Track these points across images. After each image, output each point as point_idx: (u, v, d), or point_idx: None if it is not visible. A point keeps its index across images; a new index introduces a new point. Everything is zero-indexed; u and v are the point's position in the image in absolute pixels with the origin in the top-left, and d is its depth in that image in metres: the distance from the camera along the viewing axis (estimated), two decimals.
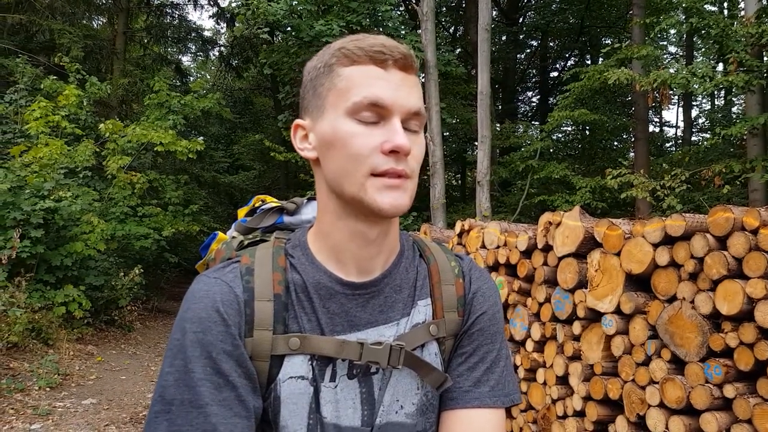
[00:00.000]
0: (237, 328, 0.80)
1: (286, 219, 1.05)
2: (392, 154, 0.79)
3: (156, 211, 10.29)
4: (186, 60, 22.38)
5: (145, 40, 16.39)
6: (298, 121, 0.90)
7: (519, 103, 19.82)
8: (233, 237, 1.05)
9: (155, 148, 9.91)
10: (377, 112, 0.80)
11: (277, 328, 0.82)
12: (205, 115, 12.18)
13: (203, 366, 0.77)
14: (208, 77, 22.42)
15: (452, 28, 19.16)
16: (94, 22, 16.32)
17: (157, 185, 10.96)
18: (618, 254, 3.53)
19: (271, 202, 1.10)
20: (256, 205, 1.10)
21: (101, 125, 9.65)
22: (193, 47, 19.78)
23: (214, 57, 20.74)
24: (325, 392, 0.82)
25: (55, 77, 10.06)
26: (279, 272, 0.85)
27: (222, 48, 19.69)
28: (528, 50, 18.82)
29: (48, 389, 5.58)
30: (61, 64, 10.33)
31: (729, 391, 2.85)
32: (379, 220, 0.83)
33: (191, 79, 19.44)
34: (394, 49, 0.81)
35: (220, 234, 1.13)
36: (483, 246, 4.71)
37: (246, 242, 0.99)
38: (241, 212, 1.13)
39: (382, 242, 0.87)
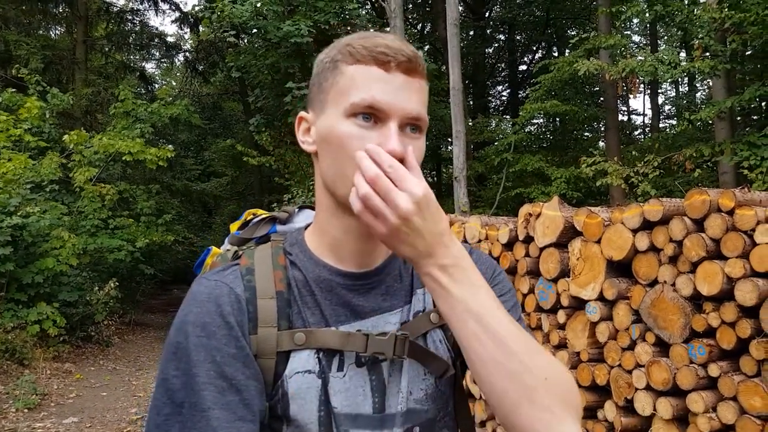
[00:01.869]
0: (240, 327, 0.80)
1: (279, 228, 1.04)
2: None
3: (128, 223, 10.10)
4: (150, 67, 21.99)
5: (107, 49, 16.05)
6: (302, 113, 0.90)
7: (490, 98, 19.99)
8: (227, 249, 1.04)
9: (124, 158, 9.71)
10: (374, 115, 0.79)
11: (281, 325, 0.82)
12: (173, 122, 11.98)
13: (207, 370, 0.76)
14: (174, 84, 22.07)
15: (420, 24, 19.22)
16: (52, 32, 15.92)
17: (127, 196, 10.75)
18: (598, 242, 3.56)
19: (263, 214, 1.08)
20: (248, 218, 1.09)
21: (65, 137, 9.41)
22: (157, 53, 19.46)
23: (179, 63, 20.41)
24: (334, 382, 0.82)
25: (14, 90, 9.77)
26: (280, 270, 0.86)
27: (187, 53, 19.39)
28: (496, 44, 19.00)
29: (26, 410, 5.42)
30: (19, 76, 10.04)
31: (713, 370, 2.90)
32: None
33: (156, 86, 19.10)
34: (399, 51, 0.80)
35: (214, 248, 1.10)
36: (465, 241, 4.72)
37: (241, 253, 0.97)
38: (234, 226, 1.11)
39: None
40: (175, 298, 15.15)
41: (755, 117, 9.24)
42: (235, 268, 0.86)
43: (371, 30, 10.11)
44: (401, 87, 0.80)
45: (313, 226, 0.91)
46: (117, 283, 8.82)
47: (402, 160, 0.77)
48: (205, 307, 0.80)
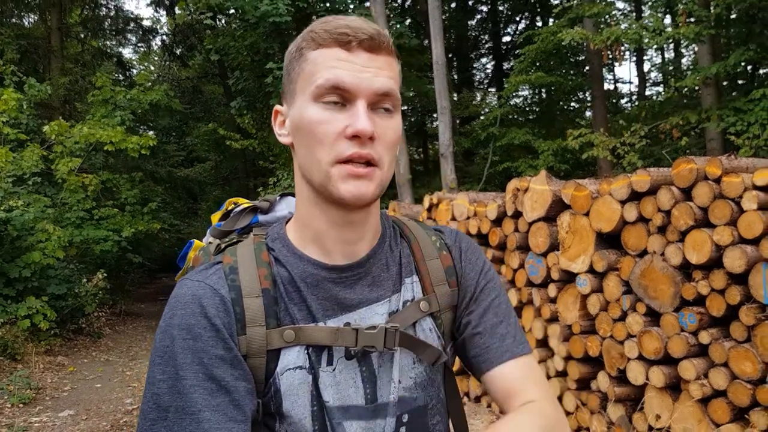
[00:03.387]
0: (228, 329, 0.79)
1: (261, 218, 1.02)
2: (356, 140, 0.77)
3: (113, 213, 9.96)
4: (127, 52, 21.49)
5: (82, 35, 15.64)
6: (277, 107, 0.89)
7: (474, 71, 19.81)
8: (209, 242, 1.02)
9: (105, 148, 9.54)
10: (341, 95, 0.78)
11: (269, 323, 0.81)
12: (153, 109, 11.74)
13: (195, 372, 0.75)
14: (152, 68, 21.62)
15: None
16: (25, 20, 15.48)
17: (111, 186, 10.59)
18: (587, 214, 3.56)
19: (244, 203, 1.06)
20: (229, 208, 1.07)
21: (46, 128, 9.22)
22: (133, 38, 18.99)
23: (156, 47, 19.98)
24: (324, 377, 0.82)
25: None
26: (264, 267, 0.84)
27: (164, 37, 18.98)
28: (479, 16, 18.74)
29: (21, 405, 5.38)
30: None
31: (704, 337, 2.93)
32: (348, 208, 0.81)
33: (134, 71, 18.71)
34: (359, 30, 0.78)
35: (196, 242, 1.09)
36: (453, 218, 4.70)
37: (223, 245, 0.95)
38: (215, 217, 1.09)
39: (363, 227, 0.86)
40: (164, 286, 15.07)
41: (741, 82, 9.23)
42: (219, 267, 0.84)
43: (351, 7, 9.95)
44: (365, 65, 0.78)
45: (294, 218, 0.89)
46: (105, 274, 8.74)
47: (372, 139, 0.77)
48: (189, 309, 0.78)
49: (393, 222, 0.96)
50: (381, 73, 0.79)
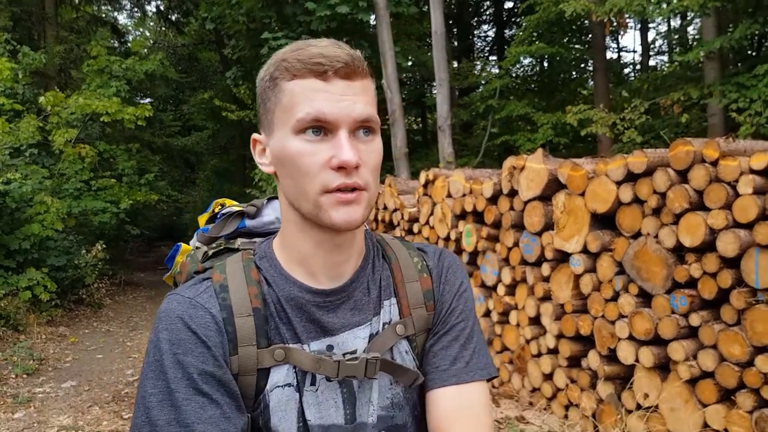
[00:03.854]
0: (219, 348, 0.80)
1: (248, 223, 1.02)
2: (341, 170, 0.77)
3: (111, 184, 9.95)
4: (122, 19, 21.15)
5: (77, 1, 15.34)
6: (255, 135, 0.88)
7: (475, 39, 19.48)
8: (197, 248, 1.02)
9: (101, 119, 9.46)
10: (322, 127, 0.78)
11: (260, 342, 0.82)
12: (149, 78, 11.62)
13: (185, 387, 0.77)
14: (148, 34, 21.26)
15: None
16: None
17: (108, 156, 10.55)
18: (582, 194, 3.56)
19: (231, 205, 1.06)
20: (216, 210, 1.07)
21: (41, 98, 9.13)
22: (128, 4, 18.64)
23: (151, 13, 19.61)
24: (308, 396, 0.84)
25: None
26: (254, 286, 0.85)
27: (158, 2, 18.60)
28: None
29: (25, 376, 5.48)
30: None
31: (694, 319, 2.96)
32: (340, 233, 0.83)
33: (130, 38, 18.40)
34: (335, 58, 0.78)
35: (183, 245, 1.09)
36: (449, 195, 4.70)
37: (210, 252, 0.96)
38: (202, 219, 1.10)
39: (350, 248, 0.87)
40: (163, 255, 15.07)
41: (747, 53, 9.06)
42: (209, 285, 0.85)
43: None
44: (343, 93, 0.78)
45: (281, 239, 0.90)
46: (104, 245, 8.77)
47: (356, 167, 0.77)
48: (179, 325, 0.79)
49: (377, 240, 0.97)
50: (359, 99, 0.78)
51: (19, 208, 7.50)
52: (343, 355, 0.84)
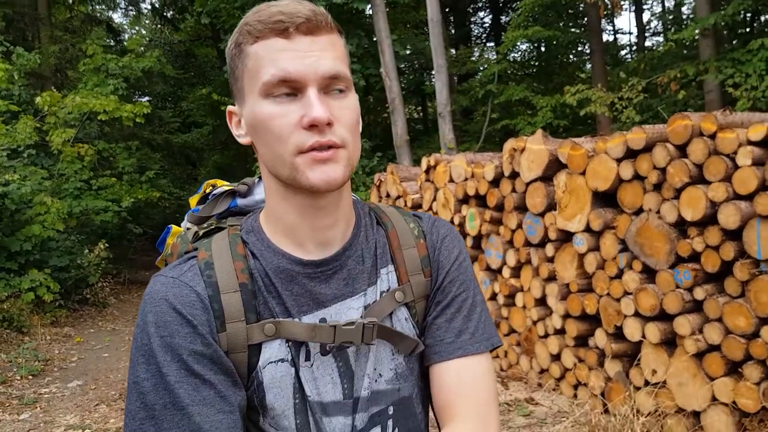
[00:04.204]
0: (206, 326, 0.78)
1: (240, 202, 1.00)
2: (313, 128, 0.75)
3: (111, 182, 9.94)
4: (117, 17, 21.08)
5: (70, 1, 15.28)
6: (229, 107, 0.86)
7: (472, 26, 19.39)
8: (188, 228, 1.00)
9: (99, 117, 9.44)
10: (290, 86, 0.75)
11: (249, 318, 0.80)
12: (146, 75, 11.59)
13: (176, 369, 0.75)
14: (144, 32, 21.19)
15: None
16: None
17: (107, 155, 10.54)
18: (583, 173, 3.54)
19: (223, 185, 1.04)
20: (207, 191, 1.05)
21: (38, 98, 9.10)
22: (123, 2, 18.56)
23: (146, 10, 19.53)
24: (303, 371, 0.82)
25: None
26: (240, 260, 0.82)
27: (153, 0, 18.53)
28: None
29: (30, 377, 5.49)
30: None
31: (699, 293, 2.95)
32: (320, 194, 0.80)
33: (125, 36, 18.34)
34: (294, 14, 0.75)
35: (174, 227, 1.07)
36: (451, 180, 4.68)
37: (201, 232, 0.94)
38: (193, 200, 1.07)
39: (336, 210, 0.84)
40: None
41: (740, 31, 9.01)
42: (194, 263, 0.82)
43: None
44: (307, 50, 0.75)
45: (266, 211, 0.87)
46: (107, 244, 8.77)
47: (329, 124, 0.75)
48: (163, 306, 0.77)
49: (370, 209, 0.95)
50: (325, 55, 0.76)
51: (19, 209, 7.50)
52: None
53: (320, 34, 0.76)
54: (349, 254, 0.86)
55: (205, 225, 0.96)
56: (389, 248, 0.90)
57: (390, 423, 0.86)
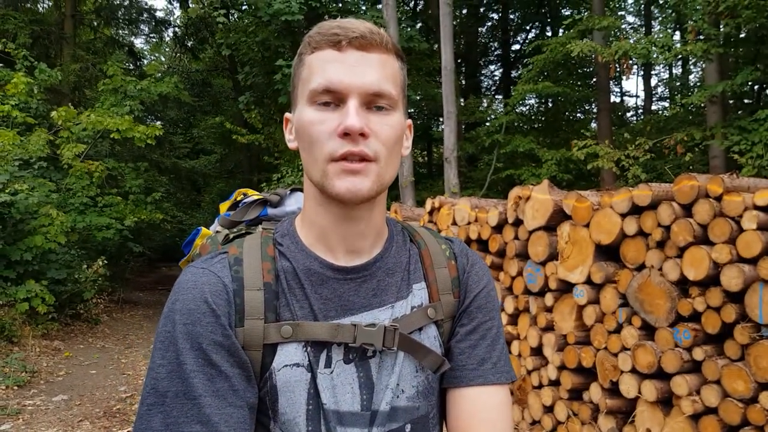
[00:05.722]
0: (227, 318, 0.79)
1: (270, 211, 1.03)
2: (347, 137, 0.77)
3: (117, 201, 10.01)
4: (139, 42, 21.55)
5: (95, 23, 15.71)
6: (287, 114, 0.90)
7: (482, 78, 19.85)
8: (217, 231, 1.03)
9: (111, 135, 9.58)
10: (333, 96, 0.78)
11: (268, 317, 0.81)
12: (162, 100, 11.82)
13: (194, 357, 0.75)
14: (163, 59, 21.69)
15: (412, 2, 18.95)
16: (39, 6, 15.56)
17: (116, 174, 10.64)
18: (587, 226, 3.58)
19: (253, 195, 1.07)
20: (238, 198, 1.08)
21: (53, 113, 9.27)
22: (146, 29, 19.04)
23: (168, 38, 20.04)
24: (321, 378, 0.81)
25: (0, 65, 9.58)
26: (268, 261, 0.84)
27: (176, 29, 19.04)
28: (489, 23, 18.79)
29: (16, 388, 5.41)
30: (6, 51, 9.84)
31: (698, 353, 2.94)
32: (347, 204, 0.82)
33: (145, 62, 18.77)
34: (350, 29, 0.79)
35: (204, 229, 1.09)
36: (454, 223, 4.72)
37: (231, 236, 0.96)
38: (223, 206, 1.10)
39: (368, 221, 0.86)
40: (163, 276, 15.11)
41: (747, 101, 9.25)
42: (224, 257, 0.84)
43: (363, 8, 9.97)
44: (356, 63, 0.78)
45: (302, 215, 0.90)
46: (105, 261, 8.76)
47: (364, 135, 0.77)
48: (191, 294, 0.79)
49: (403, 227, 0.96)
50: (371, 71, 0.78)
51: (24, 219, 7.54)
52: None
53: (372, 51, 0.79)
54: (380, 266, 0.87)
55: (235, 230, 0.98)
56: (422, 266, 0.92)
57: None
